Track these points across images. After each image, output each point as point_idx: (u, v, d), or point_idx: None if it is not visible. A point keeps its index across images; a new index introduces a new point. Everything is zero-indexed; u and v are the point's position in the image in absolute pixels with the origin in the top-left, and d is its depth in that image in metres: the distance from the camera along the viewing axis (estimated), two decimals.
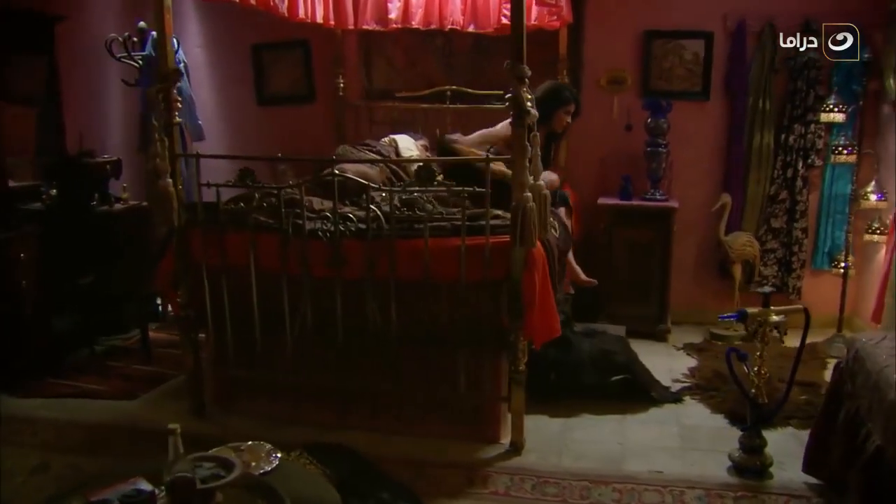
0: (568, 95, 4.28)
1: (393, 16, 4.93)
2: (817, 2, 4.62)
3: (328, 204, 3.56)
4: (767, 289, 3.07)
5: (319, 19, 4.74)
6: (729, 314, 3.08)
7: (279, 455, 2.27)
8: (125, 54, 4.95)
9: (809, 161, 4.74)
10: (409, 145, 4.73)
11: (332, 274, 3.31)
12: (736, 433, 3.47)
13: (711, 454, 3.32)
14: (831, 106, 4.35)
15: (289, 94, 5.49)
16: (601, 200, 4.88)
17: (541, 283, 3.15)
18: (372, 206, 3.26)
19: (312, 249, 3.32)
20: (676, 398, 3.89)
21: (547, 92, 4.13)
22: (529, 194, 3.04)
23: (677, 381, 4.14)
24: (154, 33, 4.95)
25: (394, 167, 4.24)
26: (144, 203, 4.98)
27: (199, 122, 5.24)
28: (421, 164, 3.55)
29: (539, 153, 3.10)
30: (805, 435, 3.42)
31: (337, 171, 3.36)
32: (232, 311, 3.50)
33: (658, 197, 4.81)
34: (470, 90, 5.14)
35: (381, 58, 5.39)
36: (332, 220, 3.29)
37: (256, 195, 3.39)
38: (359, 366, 3.46)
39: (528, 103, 3.01)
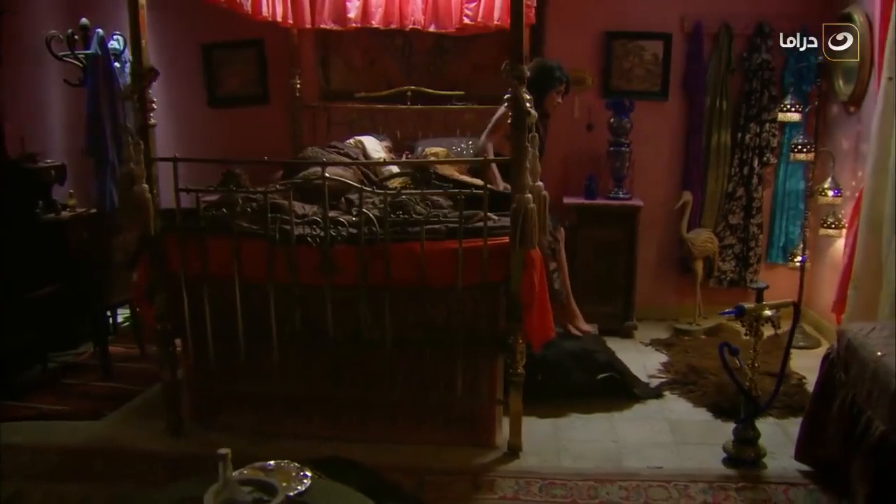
0: (559, 75, 4.27)
1: (352, 15, 4.83)
2: (770, 5, 4.80)
3: (310, 208, 3.45)
4: (762, 283, 3.15)
5: (279, 18, 4.60)
6: (728, 310, 3.14)
7: (309, 473, 2.16)
8: (68, 53, 4.67)
9: (765, 159, 4.92)
10: (375, 147, 4.66)
11: (321, 281, 3.21)
12: (721, 426, 3.59)
13: (703, 447, 3.38)
14: (788, 106, 4.52)
15: (242, 95, 5.30)
16: (566, 200, 4.91)
17: (539, 284, 3.14)
18: (365, 210, 3.18)
19: (300, 256, 3.21)
20: (657, 394, 3.94)
21: (537, 71, 4.08)
22: (530, 196, 3.01)
23: (653, 376, 4.21)
24: (99, 30, 4.72)
25: (364, 170, 4.16)
26: (93, 210, 4.73)
27: None
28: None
29: (538, 154, 3.08)
30: (786, 424, 3.58)
31: (311, 175, 3.26)
32: (213, 322, 3.34)
33: (622, 196, 4.88)
34: (431, 90, 5.09)
35: (338, 58, 5.27)
36: (323, 225, 3.18)
37: (240, 200, 3.25)
38: (350, 374, 3.36)
39: (528, 104, 2.99)
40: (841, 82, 4.55)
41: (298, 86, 5.15)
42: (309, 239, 3.19)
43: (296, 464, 2.23)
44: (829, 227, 4.52)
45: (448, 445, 3.34)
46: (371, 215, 3.18)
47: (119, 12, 5.12)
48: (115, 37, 4.89)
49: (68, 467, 3.19)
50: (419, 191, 3.24)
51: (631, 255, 4.84)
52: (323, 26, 4.89)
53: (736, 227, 5.04)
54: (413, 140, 5.07)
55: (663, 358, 4.50)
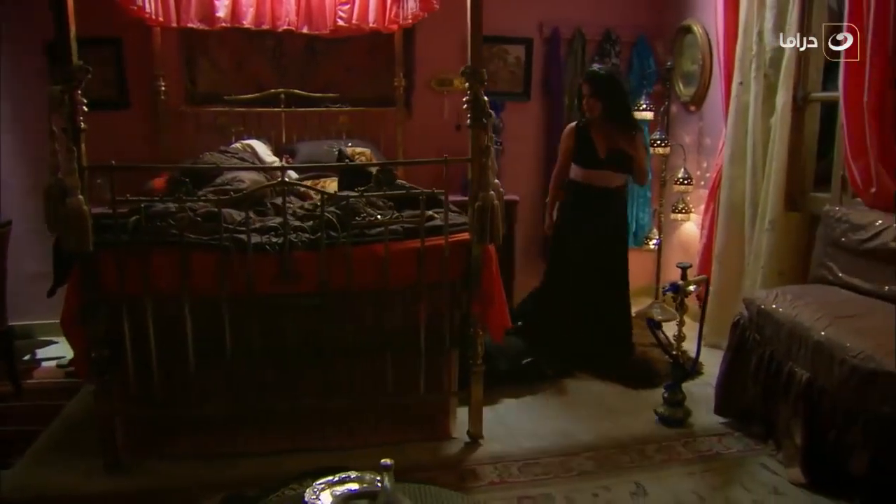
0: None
1: (221, 14, 4.64)
2: (616, 16, 5.34)
3: (240, 216, 3.31)
4: (686, 263, 3.56)
5: (154, 15, 4.30)
6: (668, 288, 3.53)
7: (385, 478, 2.14)
8: None
9: None
10: (266, 151, 4.53)
11: (278, 290, 3.10)
12: (635, 394, 3.98)
13: (632, 414, 3.74)
14: (644, 105, 5.07)
15: (97, 99, 4.77)
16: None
17: (496, 276, 3.29)
18: (327, 214, 3.12)
19: (255, 265, 3.07)
20: (568, 373, 4.25)
21: None
22: (493, 193, 3.15)
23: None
24: None
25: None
26: None
27: None
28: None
29: (493, 153, 3.21)
30: (685, 386, 4.02)
31: (232, 180, 3.13)
32: (156, 343, 3.09)
33: None
34: (304, 92, 4.99)
35: (204, 59, 4.98)
36: (281, 231, 3.08)
37: (189, 210, 3.04)
38: (308, 384, 3.28)
39: (487, 105, 3.12)
40: (681, 85, 5.20)
41: (163, 88, 4.81)
42: (267, 247, 3.07)
43: (369, 474, 2.18)
44: (678, 212, 5.15)
45: (409, 442, 3.38)
46: (332, 218, 3.14)
47: None
48: None
49: None
50: (379, 193, 3.24)
51: (510, 249, 5.12)
52: (190, 25, 4.63)
53: None
54: (290, 143, 4.96)
55: None
